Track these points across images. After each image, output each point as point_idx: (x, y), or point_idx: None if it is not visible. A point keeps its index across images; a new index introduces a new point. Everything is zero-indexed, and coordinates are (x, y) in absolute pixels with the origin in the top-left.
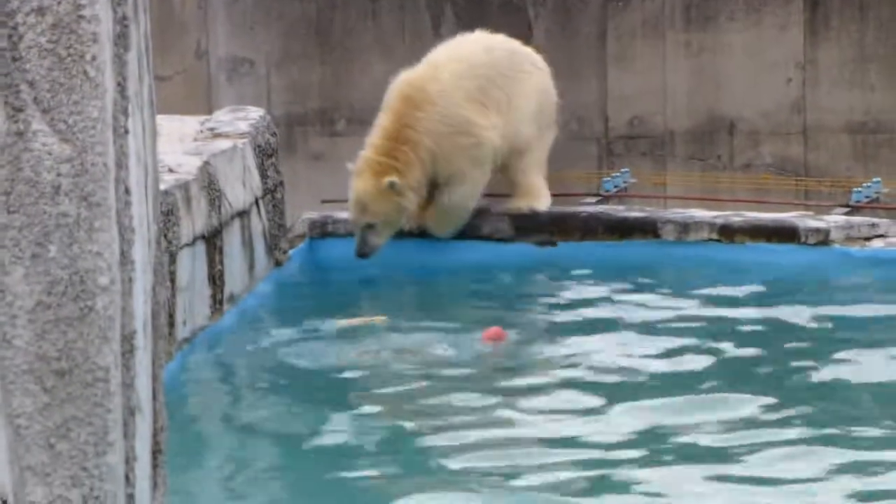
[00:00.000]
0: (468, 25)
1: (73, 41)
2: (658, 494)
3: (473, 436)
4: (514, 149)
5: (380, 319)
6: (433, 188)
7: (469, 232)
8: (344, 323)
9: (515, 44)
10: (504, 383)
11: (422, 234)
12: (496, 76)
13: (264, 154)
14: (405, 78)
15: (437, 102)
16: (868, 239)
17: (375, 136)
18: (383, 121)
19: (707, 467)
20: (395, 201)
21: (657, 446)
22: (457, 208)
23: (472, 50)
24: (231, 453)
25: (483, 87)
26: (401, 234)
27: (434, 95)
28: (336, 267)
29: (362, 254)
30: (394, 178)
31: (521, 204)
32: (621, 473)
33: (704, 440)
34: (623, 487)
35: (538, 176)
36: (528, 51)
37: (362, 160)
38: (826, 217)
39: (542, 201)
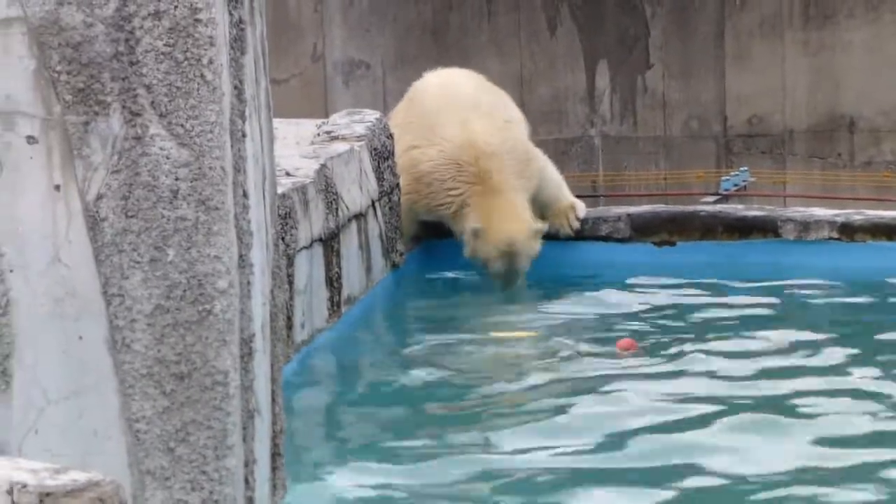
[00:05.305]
0: (584, 25)
1: (190, 45)
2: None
3: (611, 449)
4: None
5: (529, 334)
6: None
7: (588, 232)
8: (493, 336)
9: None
10: (640, 392)
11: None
12: None
13: (380, 157)
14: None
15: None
16: None
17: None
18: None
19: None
20: (537, 243)
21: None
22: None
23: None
24: (346, 456)
25: None
26: None
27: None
28: (453, 268)
29: (512, 288)
30: (539, 225)
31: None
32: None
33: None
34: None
35: None
36: None
37: (493, 211)
38: None
39: None
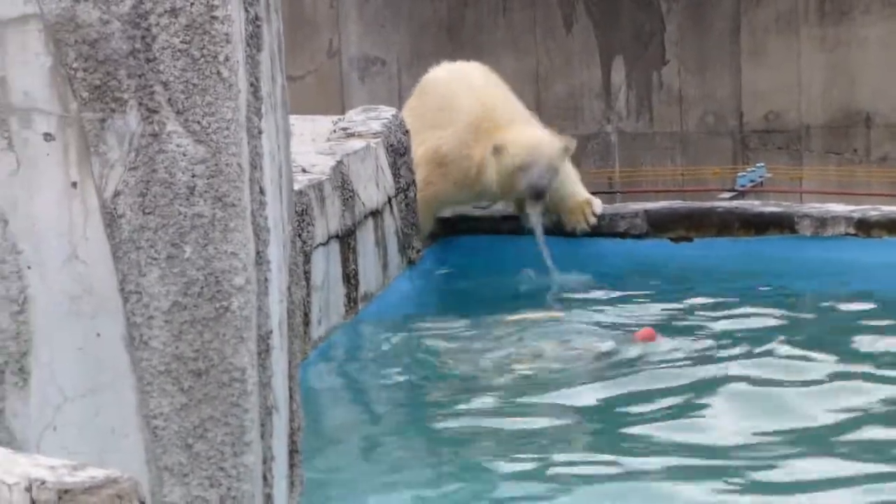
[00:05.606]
0: (600, 21)
1: (207, 42)
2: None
3: (635, 438)
4: None
5: (554, 315)
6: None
7: (605, 228)
8: (514, 318)
9: None
10: (655, 383)
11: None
12: None
13: (396, 153)
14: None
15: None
16: None
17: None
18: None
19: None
20: (562, 156)
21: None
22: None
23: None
24: (364, 451)
25: None
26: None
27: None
28: (471, 265)
29: (542, 190)
30: (565, 142)
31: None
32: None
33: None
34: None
35: None
36: None
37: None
38: None
39: None
